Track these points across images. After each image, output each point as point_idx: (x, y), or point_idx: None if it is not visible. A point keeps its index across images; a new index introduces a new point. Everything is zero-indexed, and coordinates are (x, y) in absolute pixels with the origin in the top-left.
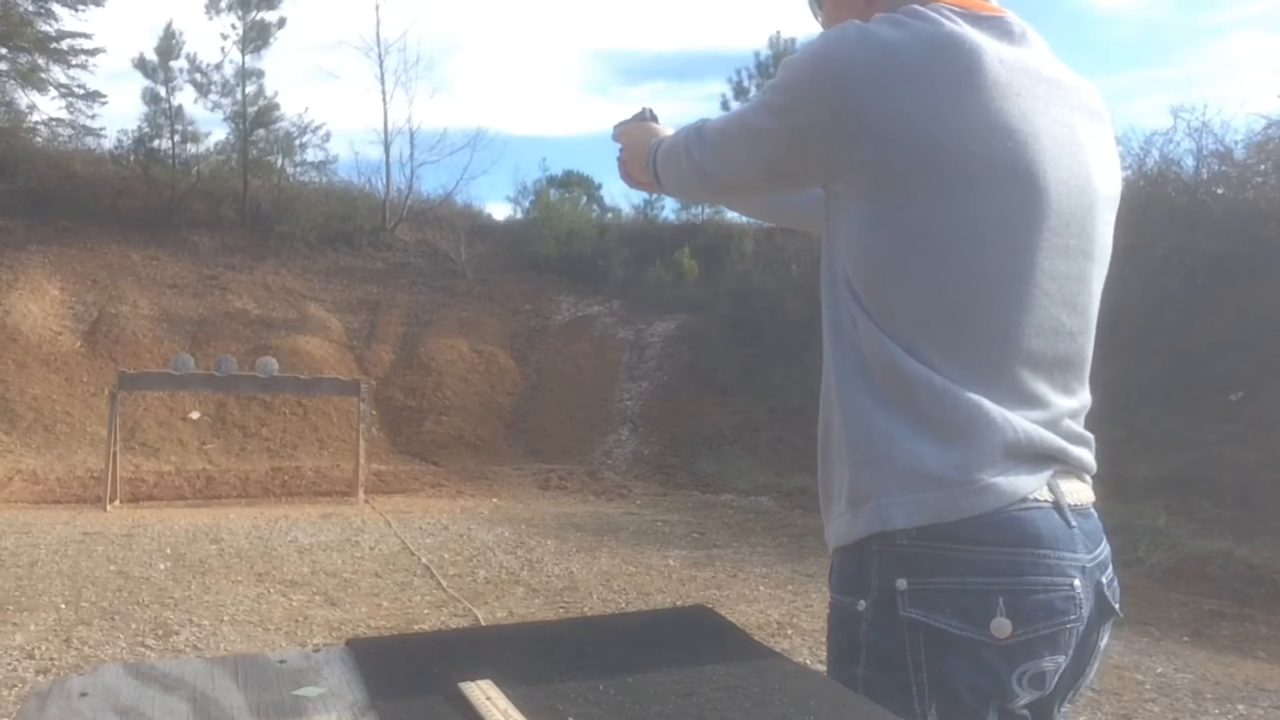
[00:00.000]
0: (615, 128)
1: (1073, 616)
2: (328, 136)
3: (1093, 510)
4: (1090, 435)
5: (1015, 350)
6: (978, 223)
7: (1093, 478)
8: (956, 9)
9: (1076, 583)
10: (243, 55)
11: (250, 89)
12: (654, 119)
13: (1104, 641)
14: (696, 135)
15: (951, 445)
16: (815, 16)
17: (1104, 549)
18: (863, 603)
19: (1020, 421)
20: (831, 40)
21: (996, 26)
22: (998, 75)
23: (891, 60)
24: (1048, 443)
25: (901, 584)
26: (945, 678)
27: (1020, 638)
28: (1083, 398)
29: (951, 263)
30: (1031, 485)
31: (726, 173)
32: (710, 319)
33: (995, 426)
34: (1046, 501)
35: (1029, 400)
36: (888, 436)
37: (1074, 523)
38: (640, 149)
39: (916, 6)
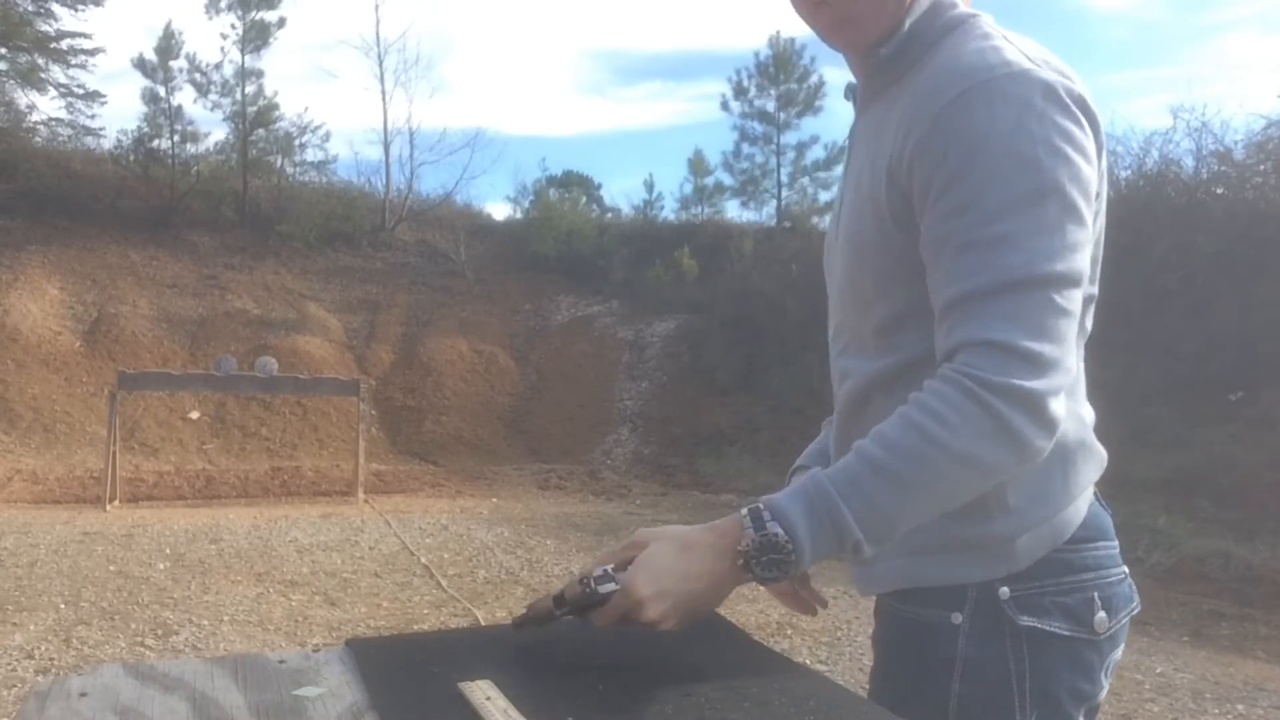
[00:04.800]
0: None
1: (1135, 602)
2: (327, 136)
3: None
4: None
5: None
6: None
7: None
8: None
9: (1126, 569)
10: (242, 55)
11: (250, 89)
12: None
13: None
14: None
15: (1073, 472)
16: None
17: None
18: (959, 615)
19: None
20: (1037, 90)
21: None
22: None
23: (1067, 84)
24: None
25: (1004, 592)
26: (1048, 684)
27: (1111, 630)
28: None
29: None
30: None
31: (1070, 331)
32: (710, 319)
33: (1097, 447)
34: (1095, 493)
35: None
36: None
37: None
38: (701, 555)
39: (1003, 37)
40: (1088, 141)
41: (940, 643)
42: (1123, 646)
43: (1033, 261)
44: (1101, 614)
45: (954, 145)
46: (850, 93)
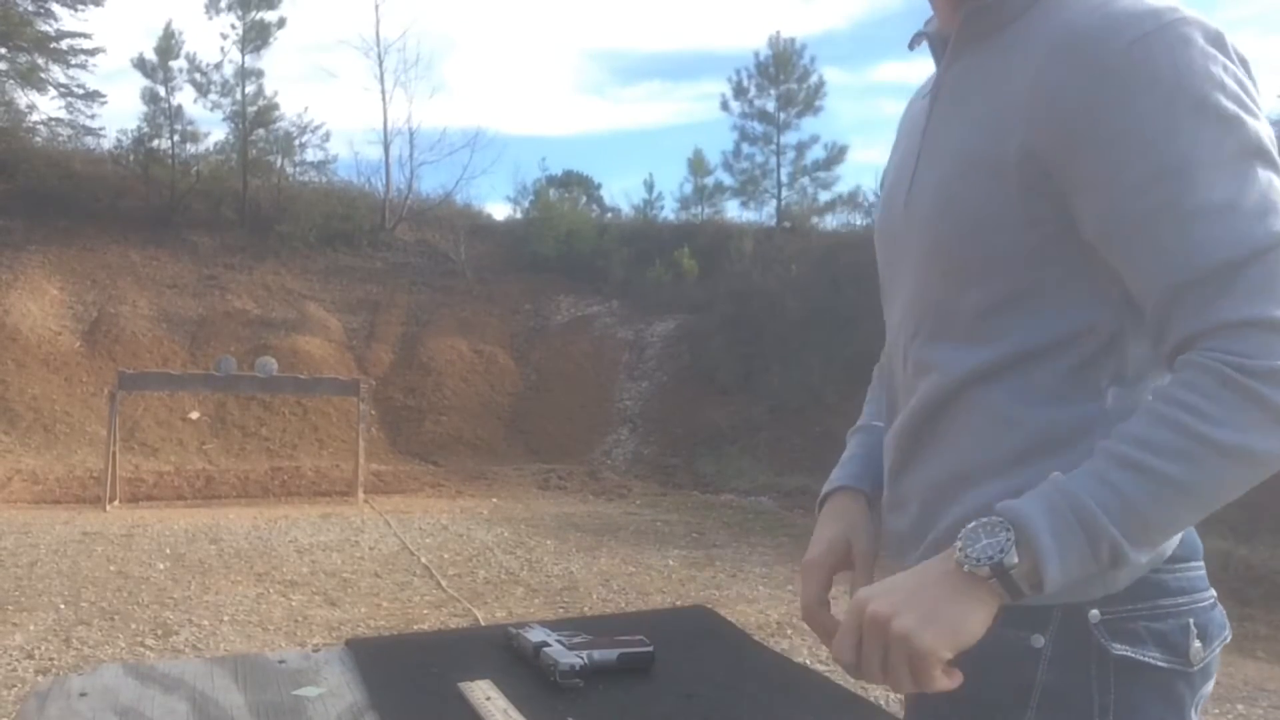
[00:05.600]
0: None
1: (1227, 630)
2: (327, 136)
3: None
4: None
5: None
6: None
7: None
8: None
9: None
10: (242, 55)
11: (250, 89)
12: None
13: None
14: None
15: None
16: None
17: None
18: (1040, 638)
19: None
20: (1210, 38)
21: None
22: None
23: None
24: None
25: (1094, 615)
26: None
27: (1205, 661)
28: None
29: None
30: None
31: None
32: (710, 319)
33: None
34: None
35: None
36: None
37: None
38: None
39: None
40: (1258, 95)
41: (1016, 668)
42: (1214, 680)
43: (1267, 223)
44: (1197, 643)
45: (1139, 102)
46: (923, 42)
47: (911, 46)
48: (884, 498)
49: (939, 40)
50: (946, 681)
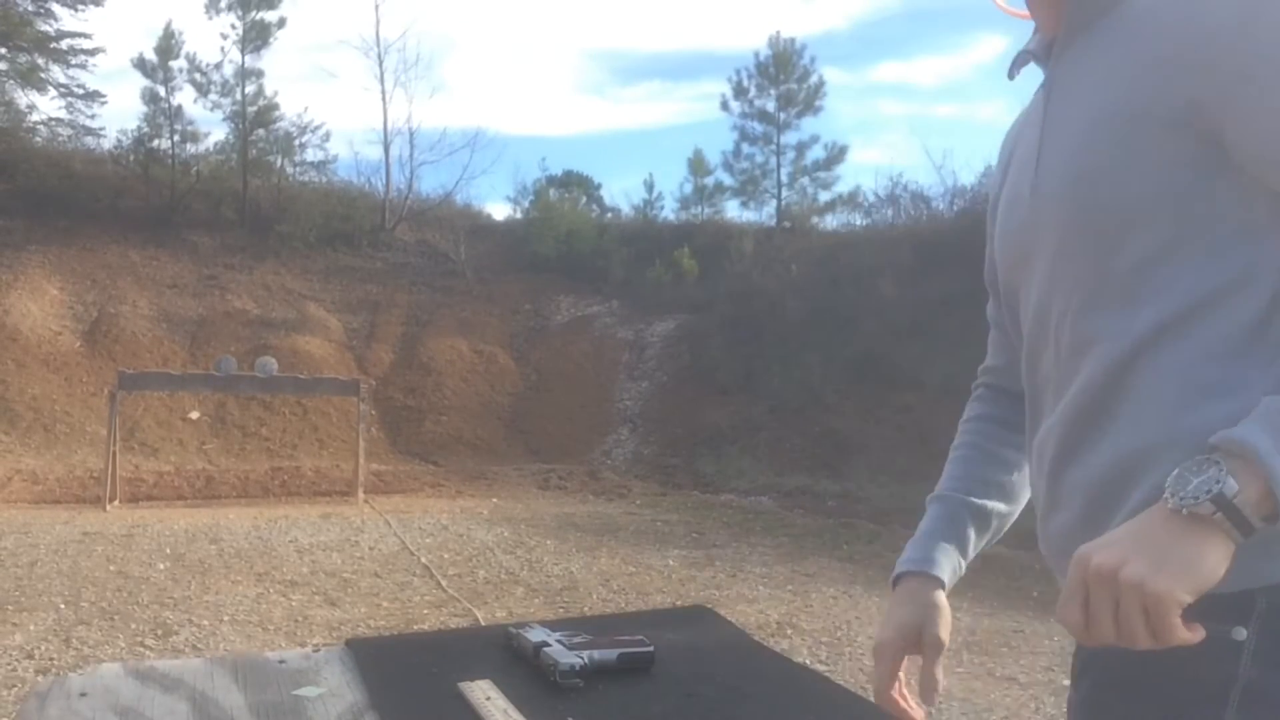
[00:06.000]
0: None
1: None
2: (327, 136)
3: None
4: None
5: None
6: None
7: None
8: None
9: None
10: (242, 55)
11: (250, 89)
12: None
13: None
14: None
15: None
16: None
17: None
18: (1242, 630)
19: None
20: None
21: None
22: None
23: None
24: None
25: None
26: None
27: None
28: None
29: None
30: None
31: None
32: (710, 319)
33: None
34: None
35: None
36: None
37: None
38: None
39: None
40: None
41: (1214, 662)
42: None
43: None
44: None
45: None
46: (1027, 63)
47: (1012, 75)
48: (1043, 498)
49: (1043, 48)
50: (1187, 633)
